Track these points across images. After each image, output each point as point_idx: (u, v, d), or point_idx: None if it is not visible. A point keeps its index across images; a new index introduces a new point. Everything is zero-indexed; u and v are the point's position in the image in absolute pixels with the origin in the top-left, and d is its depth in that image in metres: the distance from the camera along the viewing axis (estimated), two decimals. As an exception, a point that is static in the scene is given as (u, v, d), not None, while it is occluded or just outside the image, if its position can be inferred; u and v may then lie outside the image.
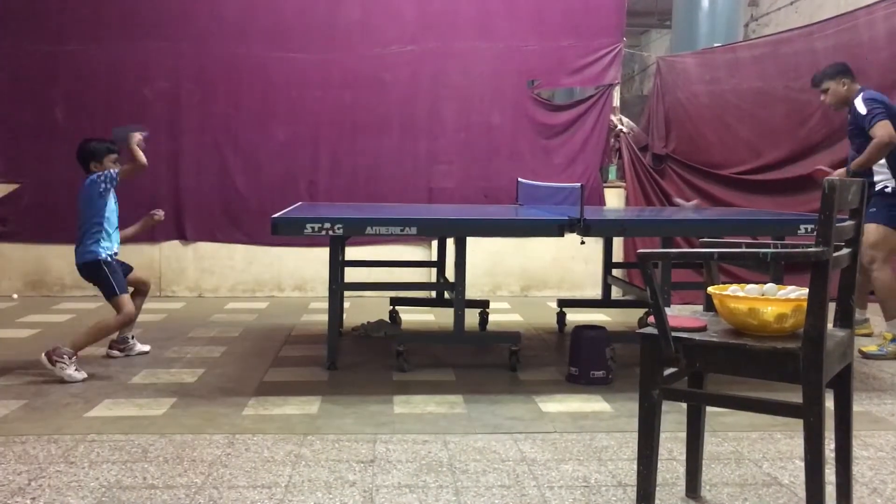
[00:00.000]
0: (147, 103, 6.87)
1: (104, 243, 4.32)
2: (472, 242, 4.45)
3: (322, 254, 5.25)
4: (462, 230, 4.34)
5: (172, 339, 5.11)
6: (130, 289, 4.51)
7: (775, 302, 2.27)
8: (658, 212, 6.21)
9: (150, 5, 6.87)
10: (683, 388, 2.58)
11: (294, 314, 6.14)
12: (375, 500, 2.62)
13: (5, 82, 6.81)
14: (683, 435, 2.70)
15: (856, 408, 2.64)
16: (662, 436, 2.45)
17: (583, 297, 6.67)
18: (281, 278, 7.07)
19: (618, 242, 6.92)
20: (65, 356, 4.05)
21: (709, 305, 2.63)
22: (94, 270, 4.30)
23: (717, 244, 2.89)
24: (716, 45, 8.06)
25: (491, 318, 5.57)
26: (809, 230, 4.05)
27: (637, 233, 5.90)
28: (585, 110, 7.29)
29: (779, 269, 4.06)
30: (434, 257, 6.12)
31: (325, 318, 4.53)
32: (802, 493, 2.34)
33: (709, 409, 2.75)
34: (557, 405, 3.73)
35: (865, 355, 4.72)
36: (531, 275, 7.20)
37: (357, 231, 4.15)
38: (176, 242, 7.00)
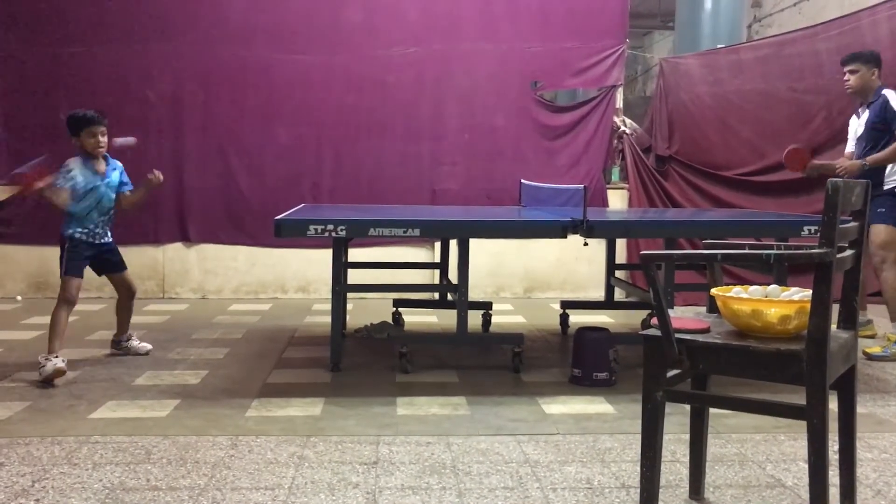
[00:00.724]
0: (151, 105, 6.88)
1: (73, 224, 4.35)
2: (475, 244, 4.45)
3: (325, 255, 5.24)
4: (465, 232, 4.34)
5: (176, 341, 5.12)
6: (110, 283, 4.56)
7: (779, 303, 2.27)
8: (661, 213, 6.20)
9: (153, 7, 6.88)
10: (687, 389, 2.57)
11: (297, 316, 6.15)
12: (378, 502, 2.62)
13: (10, 84, 6.83)
14: (687, 437, 2.70)
15: (860, 409, 2.63)
16: (666, 437, 2.45)
17: (586, 298, 6.66)
18: (284, 280, 7.07)
19: (621, 244, 6.91)
20: (41, 360, 4.10)
21: (712, 307, 2.63)
22: (61, 244, 4.38)
23: (721, 245, 2.89)
24: (719, 46, 8.06)
25: (494, 319, 5.57)
26: (813, 231, 4.05)
27: (640, 234, 5.91)
28: (588, 112, 7.28)
29: (782, 271, 4.06)
30: (437, 259, 6.12)
31: (328, 319, 4.53)
32: (806, 495, 2.33)
33: (712, 410, 2.75)
34: (561, 407, 3.72)
35: (869, 357, 4.71)
36: (534, 276, 7.20)
37: (360, 233, 4.15)
38: (179, 244, 7.01)
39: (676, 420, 3.23)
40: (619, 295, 5.84)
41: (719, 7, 8.74)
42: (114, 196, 4.48)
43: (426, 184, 7.10)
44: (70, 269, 4.32)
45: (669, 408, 2.42)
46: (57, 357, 4.10)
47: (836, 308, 2.25)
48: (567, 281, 7.19)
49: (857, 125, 5.11)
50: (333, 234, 3.89)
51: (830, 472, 2.17)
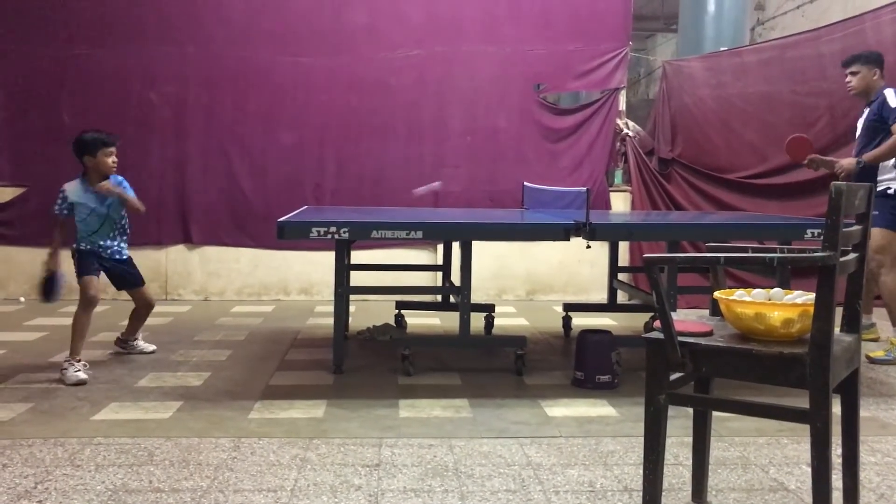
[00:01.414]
0: (153, 107, 6.90)
1: (81, 240, 4.44)
2: (477, 246, 4.45)
3: (328, 257, 5.25)
4: (468, 234, 4.34)
5: (178, 343, 5.12)
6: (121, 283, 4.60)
7: (782, 307, 2.27)
8: (664, 216, 6.20)
9: (156, 10, 6.89)
10: (689, 392, 2.57)
11: (300, 318, 6.15)
12: (381, 505, 2.62)
13: (13, 86, 6.85)
14: (689, 440, 2.69)
15: (863, 413, 2.63)
16: (668, 441, 2.45)
17: (588, 301, 6.65)
18: (287, 282, 7.08)
19: (624, 246, 6.91)
20: (64, 363, 4.17)
21: (715, 310, 2.62)
22: (73, 257, 4.48)
23: (724, 248, 2.89)
24: (722, 49, 8.05)
25: (496, 321, 5.57)
26: (816, 234, 4.04)
27: (643, 237, 5.90)
28: (591, 114, 7.29)
29: (785, 274, 4.06)
30: (440, 261, 6.12)
31: (330, 321, 4.53)
32: (809, 499, 2.33)
33: (715, 413, 2.75)
34: (563, 409, 3.72)
35: (872, 360, 4.71)
36: (537, 279, 7.20)
37: (363, 235, 4.14)
38: (182, 246, 7.01)
39: (679, 423, 3.23)
40: (621, 298, 5.84)
41: (722, 10, 8.73)
42: (123, 210, 4.51)
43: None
44: (83, 270, 4.37)
45: (672, 411, 2.41)
46: (80, 361, 4.16)
47: (839, 311, 2.25)
48: (570, 283, 7.19)
49: (858, 124, 5.10)
50: (336, 236, 3.89)
51: (833, 476, 2.17)
